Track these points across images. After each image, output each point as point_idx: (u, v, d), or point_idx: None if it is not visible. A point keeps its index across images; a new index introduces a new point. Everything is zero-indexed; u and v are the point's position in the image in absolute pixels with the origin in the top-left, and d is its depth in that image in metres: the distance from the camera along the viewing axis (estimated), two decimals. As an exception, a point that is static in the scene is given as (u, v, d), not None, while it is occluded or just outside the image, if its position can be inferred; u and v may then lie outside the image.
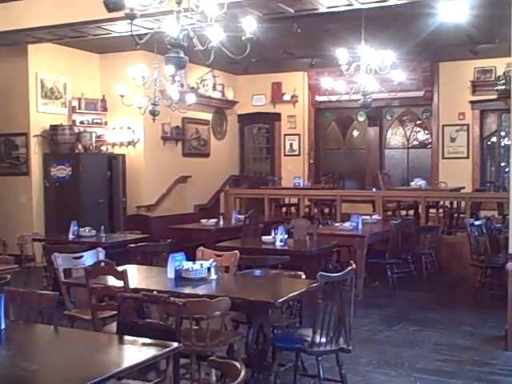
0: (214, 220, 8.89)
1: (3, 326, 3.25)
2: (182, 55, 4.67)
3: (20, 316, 3.69)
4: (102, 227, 7.40)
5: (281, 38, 9.13)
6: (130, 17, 4.21)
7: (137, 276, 4.85)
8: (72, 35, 7.56)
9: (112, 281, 4.53)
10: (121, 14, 6.32)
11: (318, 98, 12.74)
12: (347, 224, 7.92)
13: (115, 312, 4.52)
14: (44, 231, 9.40)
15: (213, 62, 4.83)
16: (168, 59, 4.73)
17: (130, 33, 7.21)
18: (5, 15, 7.22)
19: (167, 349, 3.00)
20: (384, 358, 5.25)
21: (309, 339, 4.01)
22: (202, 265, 4.65)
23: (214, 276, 4.62)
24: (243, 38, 4.71)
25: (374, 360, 5.19)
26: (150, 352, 2.98)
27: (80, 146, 9.78)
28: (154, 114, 8.47)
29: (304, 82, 12.97)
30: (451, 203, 10.40)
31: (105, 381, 2.71)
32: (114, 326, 4.29)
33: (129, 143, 10.66)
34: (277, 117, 13.33)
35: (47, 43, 8.79)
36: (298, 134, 13.20)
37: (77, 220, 7.54)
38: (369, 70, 7.42)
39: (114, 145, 10.71)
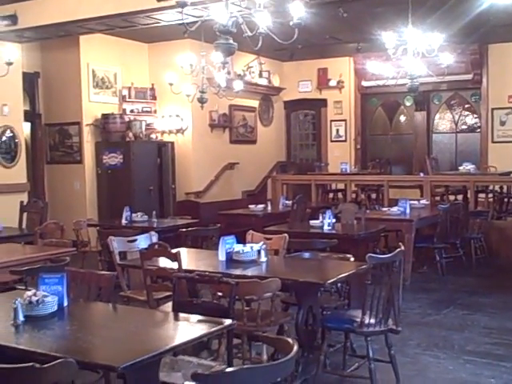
0: (262, 205, 9.00)
1: (66, 304, 3.42)
2: (231, 42, 4.75)
3: (80, 295, 3.86)
4: (154, 212, 7.57)
5: (327, 23, 9.11)
6: (181, 5, 4.32)
7: (188, 258, 4.97)
8: (122, 25, 7.72)
9: (164, 263, 4.68)
10: (170, 2, 6.45)
11: (365, 83, 12.69)
12: (395, 209, 7.91)
13: (168, 293, 4.68)
14: (97, 217, 9.68)
15: (259, 48, 4.91)
16: (217, 46, 4.81)
17: (179, 21, 7.38)
18: (59, 7, 7.43)
19: (222, 325, 3.11)
20: (433, 340, 5.27)
21: (358, 320, 4.07)
22: (252, 247, 4.75)
23: (264, 258, 4.72)
24: (291, 23, 4.77)
25: (423, 342, 5.21)
26: (205, 328, 3.09)
27: (130, 134, 9.99)
28: (201, 101, 8.60)
29: (350, 67, 12.91)
30: (501, 188, 10.24)
31: (162, 354, 2.84)
32: (167, 307, 4.44)
33: (177, 131, 10.84)
34: (323, 103, 13.31)
35: (97, 34, 8.98)
36: (345, 120, 13.16)
37: (128, 206, 7.75)
38: (416, 53, 7.36)
39: (163, 132, 10.89)
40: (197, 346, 4.11)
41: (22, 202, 8.02)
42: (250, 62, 11.92)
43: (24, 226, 7.61)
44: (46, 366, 2.39)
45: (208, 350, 4.57)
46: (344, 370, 4.46)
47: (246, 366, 2.55)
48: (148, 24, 7.65)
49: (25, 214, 7.80)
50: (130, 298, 5.07)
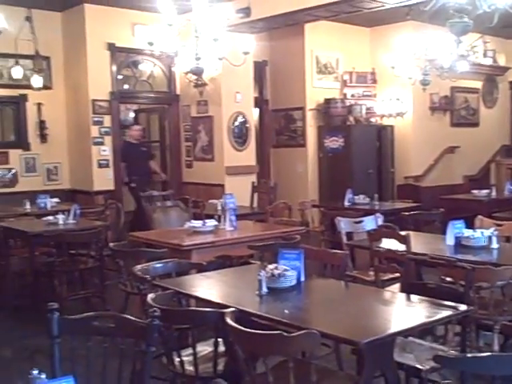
0: (486, 191, 8.64)
1: (303, 279, 3.64)
2: (467, 20, 4.62)
3: (313, 271, 4.07)
4: (376, 195, 7.66)
5: None
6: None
7: (414, 241, 4.95)
8: (348, 10, 7.83)
9: (389, 245, 4.73)
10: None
11: None
12: None
13: (393, 275, 4.76)
14: (318, 198, 10.01)
15: (484, 26, 4.71)
16: (451, 25, 4.71)
17: (405, 3, 7.35)
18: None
19: (459, 310, 3.06)
20: None
21: None
22: (482, 233, 4.63)
23: (495, 245, 4.57)
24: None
25: None
26: (442, 312, 3.06)
27: (351, 118, 10.17)
28: (424, 83, 8.46)
29: None
30: None
31: (399, 334, 2.92)
32: (393, 288, 4.49)
33: (397, 114, 10.73)
34: (555, 81, 12.29)
35: (321, 21, 9.21)
36: None
37: (348, 188, 7.91)
38: None
39: (382, 116, 10.87)
40: (422, 330, 4.12)
41: (253, 183, 8.60)
42: (473, 42, 11.37)
43: (255, 205, 8.18)
44: (292, 334, 2.55)
45: (432, 336, 4.55)
46: None
47: (493, 353, 2.51)
48: (373, 8, 7.68)
49: (255, 194, 8.36)
50: (356, 277, 5.21)
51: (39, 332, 5.17)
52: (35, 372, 1.99)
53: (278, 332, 2.59)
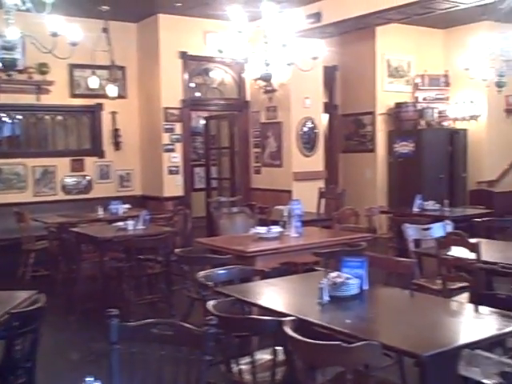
0: None
1: (366, 287, 3.56)
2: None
3: (377, 280, 3.98)
4: (446, 201, 7.44)
5: None
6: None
7: (485, 249, 4.78)
8: (420, 12, 7.65)
9: (459, 253, 4.57)
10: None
11: None
12: None
13: (461, 284, 4.60)
14: (386, 204, 9.83)
15: None
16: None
17: (478, 3, 7.13)
18: (360, 0, 7.67)
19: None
20: None
21: None
22: None
23: None
24: None
25: None
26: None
27: (423, 122, 9.95)
28: (500, 85, 8.17)
29: None
30: None
31: (466, 347, 2.81)
32: (461, 298, 4.34)
33: (471, 117, 10.41)
34: None
35: (392, 24, 9.06)
36: None
37: (420, 194, 7.72)
38: None
39: (455, 120, 10.58)
40: (491, 342, 3.96)
41: (320, 189, 8.53)
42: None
43: (322, 210, 8.11)
44: (351, 345, 2.50)
45: (502, 347, 4.36)
46: None
47: None
48: (446, 8, 7.48)
49: (322, 200, 8.30)
50: (423, 286, 5.07)
51: (106, 336, 5.34)
52: (90, 379, 1.99)
53: (337, 342, 2.54)
